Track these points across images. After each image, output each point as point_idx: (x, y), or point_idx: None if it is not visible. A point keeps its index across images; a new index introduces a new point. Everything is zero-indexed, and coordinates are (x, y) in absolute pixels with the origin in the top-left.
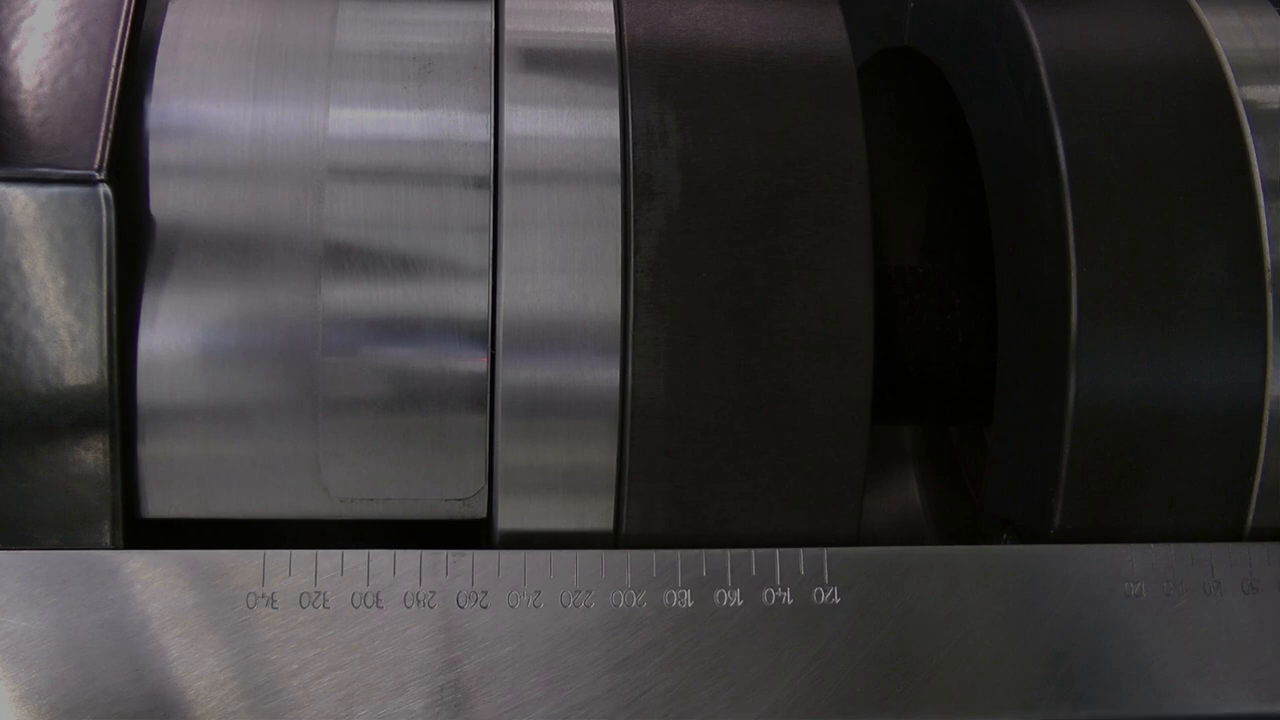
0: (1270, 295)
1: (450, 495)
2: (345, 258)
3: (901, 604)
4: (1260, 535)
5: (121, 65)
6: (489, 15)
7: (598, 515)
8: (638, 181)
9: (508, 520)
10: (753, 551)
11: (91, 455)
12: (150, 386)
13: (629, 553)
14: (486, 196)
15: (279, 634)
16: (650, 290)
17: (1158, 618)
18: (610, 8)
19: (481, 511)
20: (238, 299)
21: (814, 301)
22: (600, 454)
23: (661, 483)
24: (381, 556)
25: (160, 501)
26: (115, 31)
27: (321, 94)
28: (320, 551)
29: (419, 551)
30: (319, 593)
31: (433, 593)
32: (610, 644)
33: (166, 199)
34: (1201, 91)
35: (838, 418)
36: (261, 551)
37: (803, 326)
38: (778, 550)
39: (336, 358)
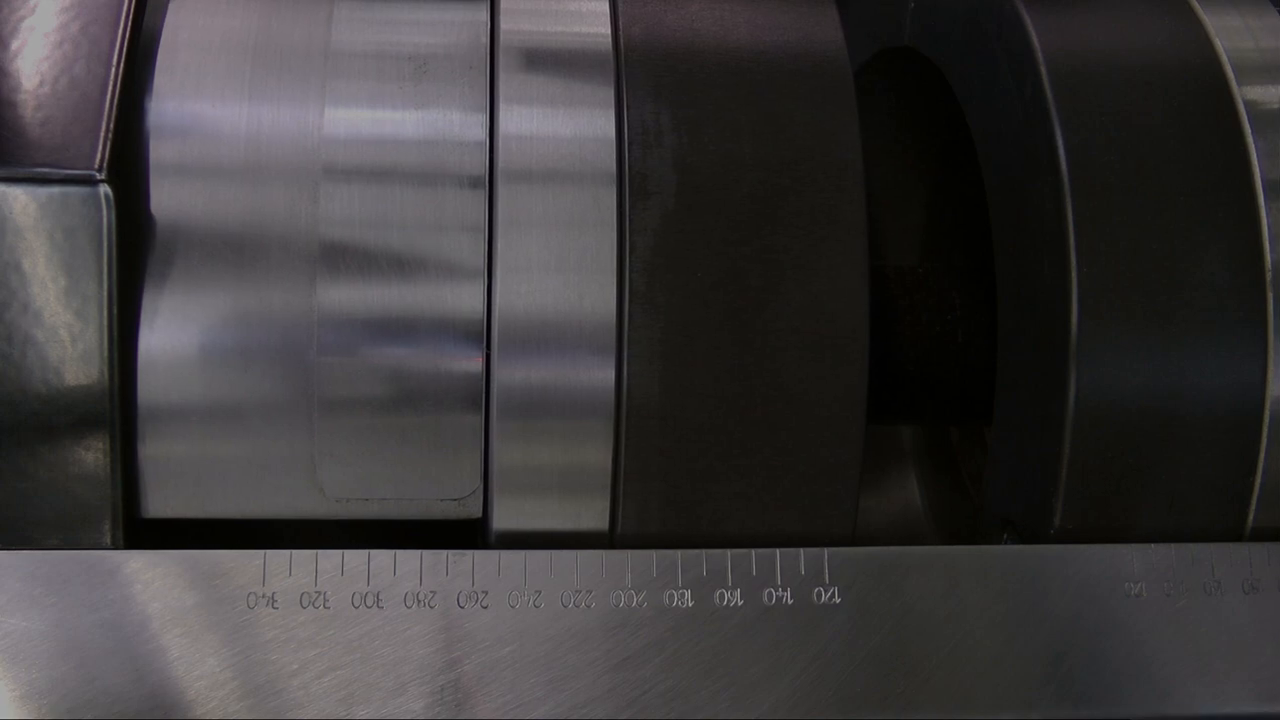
0: (1270, 295)
1: (446, 495)
2: (340, 258)
3: (901, 604)
4: (1260, 535)
5: (121, 65)
6: (484, 15)
7: (593, 515)
8: (633, 181)
9: (503, 520)
10: (753, 551)
11: (91, 455)
12: (150, 386)
13: (629, 553)
14: (482, 196)
15: (279, 634)
16: (645, 290)
17: (1158, 618)
18: (606, 7)
19: (477, 511)
20: (233, 299)
21: (809, 301)
22: (595, 454)
23: (656, 482)
24: (382, 557)
25: (159, 501)
26: (115, 31)
27: (317, 94)
28: (320, 551)
29: (419, 551)
30: (319, 593)
31: (433, 593)
32: (610, 644)
33: (165, 199)
34: (1202, 91)
35: (832, 417)
36: (262, 552)
37: (797, 326)
38: (778, 550)
39: (332, 358)
